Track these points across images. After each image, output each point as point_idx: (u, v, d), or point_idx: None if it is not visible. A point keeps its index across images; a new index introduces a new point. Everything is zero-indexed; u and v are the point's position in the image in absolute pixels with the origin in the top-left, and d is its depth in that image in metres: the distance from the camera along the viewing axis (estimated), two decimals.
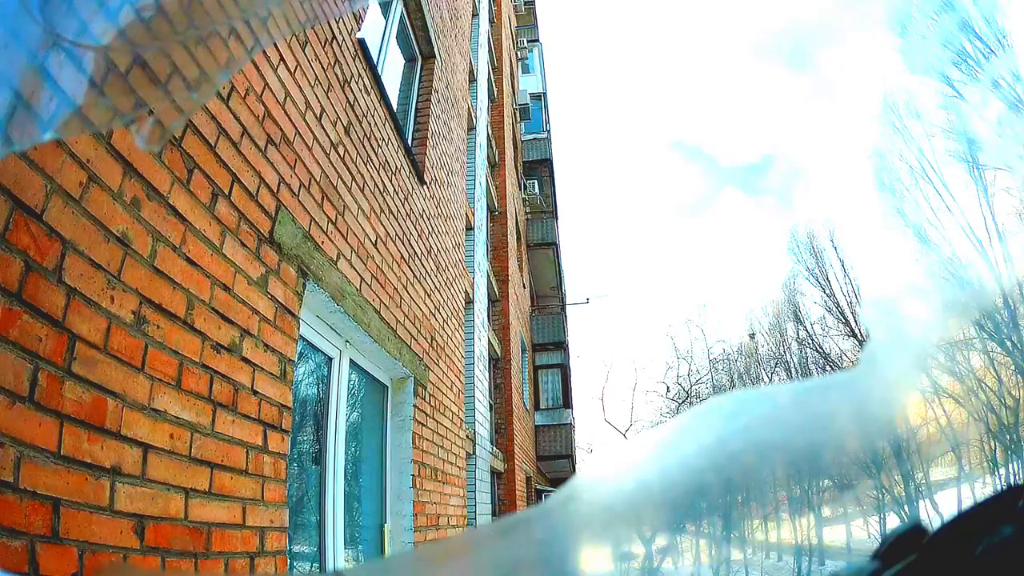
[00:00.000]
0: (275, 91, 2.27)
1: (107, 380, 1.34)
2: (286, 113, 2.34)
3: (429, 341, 4.38)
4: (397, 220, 3.78)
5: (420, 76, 5.27)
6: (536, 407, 14.98)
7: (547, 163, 18.31)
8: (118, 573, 0.98)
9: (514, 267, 11.75)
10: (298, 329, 2.33)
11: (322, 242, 2.59)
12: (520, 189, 15.47)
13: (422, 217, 4.45)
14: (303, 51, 2.54)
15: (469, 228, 7.79)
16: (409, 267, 3.98)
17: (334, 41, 2.91)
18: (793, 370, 18.11)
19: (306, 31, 2.55)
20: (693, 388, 20.38)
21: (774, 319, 19.47)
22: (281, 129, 2.29)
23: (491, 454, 8.07)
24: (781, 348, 18.87)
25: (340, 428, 2.97)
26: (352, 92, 3.11)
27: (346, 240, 2.88)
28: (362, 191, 3.13)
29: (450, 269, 5.40)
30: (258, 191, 2.08)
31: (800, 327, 17.81)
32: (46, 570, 1.12)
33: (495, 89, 12.39)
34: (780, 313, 19.12)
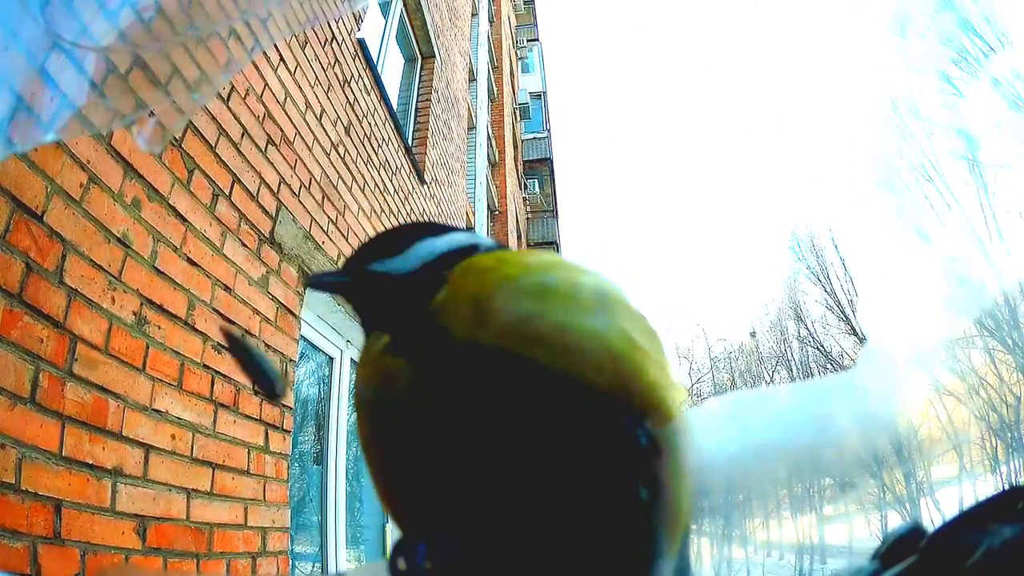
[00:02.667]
0: (275, 91, 2.27)
1: (108, 381, 1.34)
2: (286, 113, 2.34)
3: None
4: (398, 220, 3.78)
5: (420, 76, 5.26)
6: None
7: (547, 162, 18.30)
8: (120, 574, 0.98)
9: None
10: (299, 329, 2.33)
11: (323, 242, 2.59)
12: (520, 188, 15.47)
13: (422, 217, 4.45)
14: (303, 51, 2.54)
15: (469, 228, 7.79)
16: None
17: (334, 41, 2.91)
18: (794, 368, 18.08)
19: (306, 31, 2.55)
20: (694, 387, 20.36)
21: (775, 317, 19.44)
22: (281, 129, 2.29)
23: None
24: (782, 346, 18.84)
25: (341, 428, 2.97)
26: (352, 92, 3.11)
27: (347, 240, 2.88)
28: (363, 191, 3.14)
29: None
30: (259, 191, 2.08)
31: (801, 325, 17.79)
32: (48, 571, 1.13)
33: (495, 88, 12.39)
34: (781, 311, 19.10)
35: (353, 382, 0.46)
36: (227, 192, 1.89)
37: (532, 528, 0.34)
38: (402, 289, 0.40)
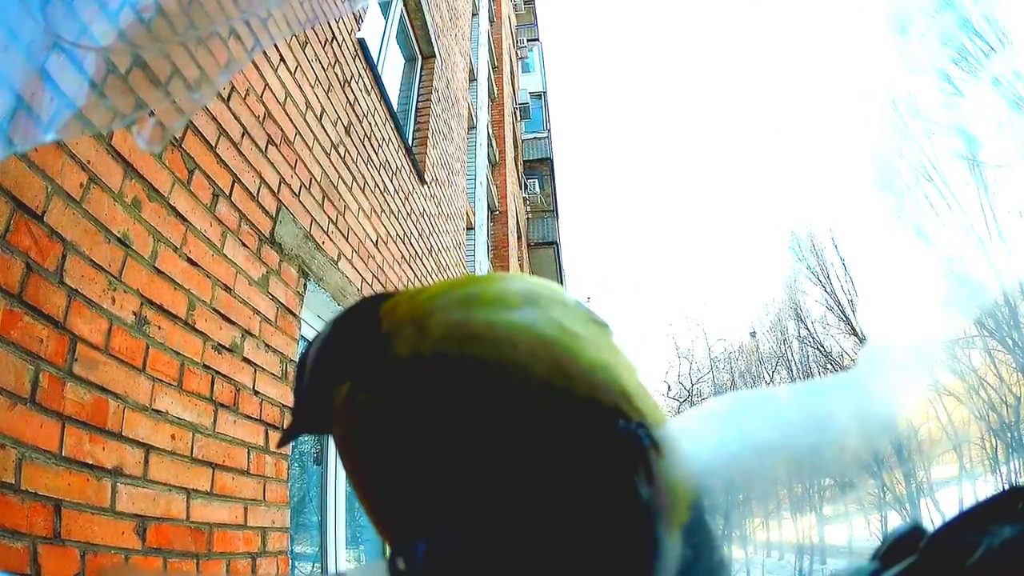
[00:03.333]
0: (275, 91, 2.27)
1: (108, 381, 1.34)
2: (286, 113, 2.34)
3: None
4: (398, 220, 3.78)
5: (420, 76, 5.26)
6: None
7: (548, 162, 18.28)
8: (120, 574, 0.98)
9: (515, 266, 11.75)
10: (299, 329, 2.33)
11: (323, 242, 2.59)
12: (521, 188, 15.46)
13: (423, 217, 4.45)
14: (303, 51, 2.54)
15: (470, 228, 7.78)
16: (410, 267, 3.98)
17: (334, 41, 2.91)
18: (794, 368, 18.09)
19: (306, 31, 2.55)
20: (694, 387, 20.37)
21: (775, 318, 19.45)
22: (281, 129, 2.29)
23: None
24: (782, 347, 18.85)
25: None
26: (352, 92, 3.11)
27: (347, 240, 2.88)
28: (363, 191, 3.14)
29: (451, 269, 5.40)
30: (259, 191, 2.08)
31: (801, 325, 17.80)
32: (48, 571, 1.13)
33: (495, 88, 12.38)
34: (781, 311, 19.11)
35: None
36: (227, 192, 1.89)
37: (531, 525, 0.34)
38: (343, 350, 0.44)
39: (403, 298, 0.44)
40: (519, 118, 16.43)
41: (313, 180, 2.55)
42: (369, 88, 3.38)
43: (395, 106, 4.12)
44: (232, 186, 1.92)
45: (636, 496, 0.34)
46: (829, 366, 16.14)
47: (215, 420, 1.73)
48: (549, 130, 19.13)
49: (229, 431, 1.79)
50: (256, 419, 1.95)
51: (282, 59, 2.34)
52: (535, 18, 21.92)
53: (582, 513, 0.35)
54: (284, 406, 2.13)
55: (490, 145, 10.76)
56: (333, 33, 2.91)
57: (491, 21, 12.22)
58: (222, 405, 1.77)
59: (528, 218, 16.20)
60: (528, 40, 20.09)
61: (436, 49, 5.36)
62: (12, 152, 0.70)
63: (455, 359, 0.37)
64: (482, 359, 0.36)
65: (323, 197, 2.64)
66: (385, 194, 3.54)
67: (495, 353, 0.37)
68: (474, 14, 9.38)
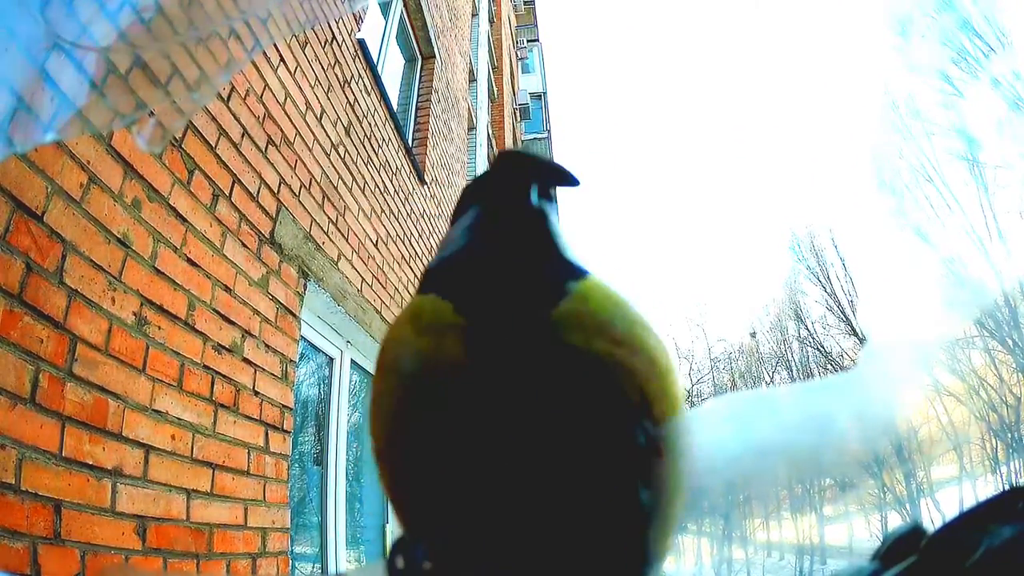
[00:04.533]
0: (275, 92, 2.27)
1: (108, 381, 1.34)
2: (286, 114, 2.34)
3: None
4: (398, 220, 3.78)
5: (420, 76, 5.26)
6: None
7: None
8: (120, 574, 0.98)
9: None
10: (299, 330, 2.33)
11: (323, 243, 2.59)
12: None
13: (423, 217, 4.45)
14: (303, 52, 2.54)
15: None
16: (410, 267, 3.98)
17: (334, 42, 2.91)
18: (794, 369, 18.10)
19: (306, 32, 2.55)
20: (694, 388, 20.38)
21: (775, 318, 19.46)
22: (281, 130, 2.29)
23: None
24: (782, 347, 18.86)
25: (342, 428, 2.97)
26: (352, 92, 3.11)
27: (347, 241, 2.88)
28: (363, 191, 3.14)
29: None
30: (259, 192, 2.08)
31: (801, 326, 17.81)
32: (48, 571, 1.13)
33: (495, 89, 12.38)
34: (781, 312, 19.12)
35: (386, 343, 0.46)
36: (227, 192, 1.89)
37: (536, 526, 0.34)
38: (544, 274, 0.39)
39: (592, 293, 0.43)
40: (519, 119, 16.43)
41: (313, 180, 2.55)
42: (369, 88, 3.38)
43: (395, 106, 4.12)
44: (232, 186, 1.92)
45: (637, 500, 0.35)
46: (829, 366, 16.15)
47: (215, 420, 1.73)
48: (549, 131, 19.13)
49: (229, 431, 1.79)
50: (256, 419, 1.95)
51: (282, 59, 2.34)
52: (535, 19, 21.93)
53: (588, 514, 0.35)
54: (284, 406, 2.13)
55: (490, 145, 10.76)
56: (333, 34, 2.91)
57: (491, 22, 12.22)
58: (222, 405, 1.77)
59: None
60: (528, 41, 20.09)
61: (436, 50, 5.36)
62: (12, 152, 0.70)
63: (605, 359, 0.38)
64: (618, 361, 0.38)
65: (323, 197, 2.64)
66: (385, 195, 3.54)
67: (628, 358, 0.39)
68: (474, 15, 9.39)
